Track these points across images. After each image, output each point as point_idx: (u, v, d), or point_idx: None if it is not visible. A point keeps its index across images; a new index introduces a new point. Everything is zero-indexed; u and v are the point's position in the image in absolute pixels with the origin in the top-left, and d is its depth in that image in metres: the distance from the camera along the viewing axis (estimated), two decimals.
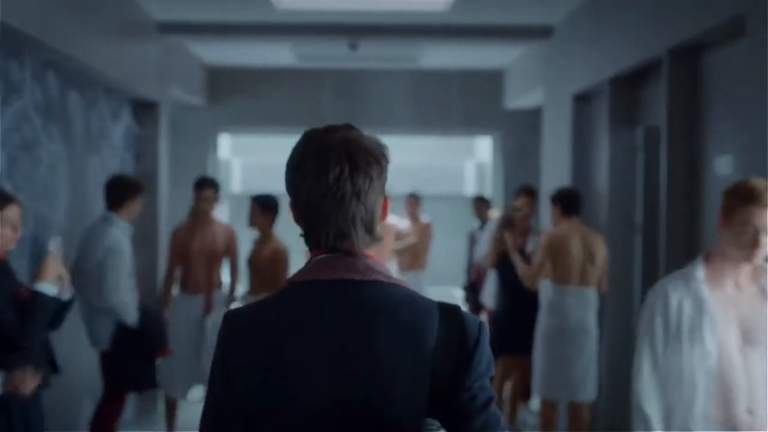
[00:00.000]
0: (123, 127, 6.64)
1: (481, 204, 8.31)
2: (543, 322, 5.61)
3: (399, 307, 1.48)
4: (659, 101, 4.88)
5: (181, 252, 5.82)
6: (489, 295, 6.92)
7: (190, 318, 5.82)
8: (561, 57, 6.92)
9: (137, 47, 6.64)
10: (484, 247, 6.88)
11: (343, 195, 1.46)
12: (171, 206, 9.31)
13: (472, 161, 12.10)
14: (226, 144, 11.85)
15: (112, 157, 6.35)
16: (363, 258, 1.51)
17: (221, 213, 11.72)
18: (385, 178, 1.53)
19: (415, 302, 1.50)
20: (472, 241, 8.36)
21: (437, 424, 1.47)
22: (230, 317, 1.52)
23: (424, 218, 8.86)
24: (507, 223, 6.04)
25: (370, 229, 1.51)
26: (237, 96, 9.53)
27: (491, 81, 9.53)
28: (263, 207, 5.57)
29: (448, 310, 1.50)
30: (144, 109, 7.05)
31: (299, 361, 1.45)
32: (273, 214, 5.58)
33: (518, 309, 5.95)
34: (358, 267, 1.49)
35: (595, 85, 6.03)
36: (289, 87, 9.52)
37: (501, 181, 9.79)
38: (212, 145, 9.71)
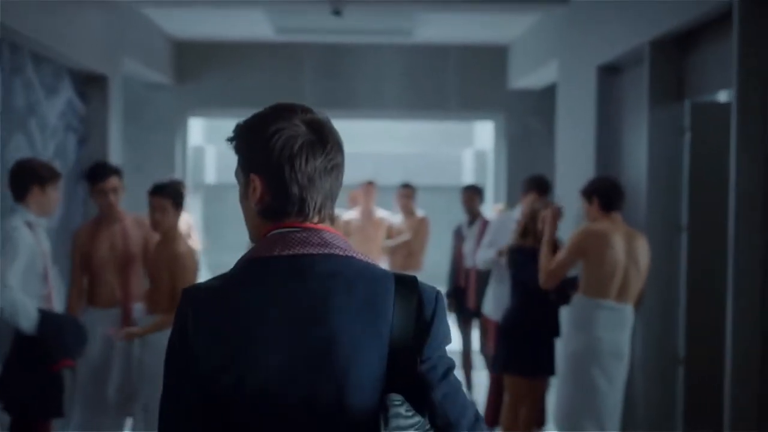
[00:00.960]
0: (62, 104, 5.57)
1: (471, 194, 7.16)
2: (569, 342, 4.59)
3: (355, 279, 1.50)
4: (727, 66, 3.84)
5: (85, 257, 4.70)
6: (491, 302, 5.90)
7: (102, 337, 4.61)
8: (582, 22, 5.88)
9: (75, 8, 5.55)
10: (487, 252, 5.84)
11: (334, 166, 1.53)
12: (131, 201, 8.26)
13: (470, 149, 11.03)
14: (198, 129, 10.77)
15: (46, 139, 5.28)
16: (319, 231, 1.52)
17: (194, 206, 10.68)
18: None
19: (371, 274, 1.51)
20: (459, 237, 7.24)
21: (401, 399, 1.45)
22: (191, 294, 1.51)
23: (420, 212, 7.82)
24: (533, 217, 4.97)
25: (335, 199, 1.57)
26: (208, 74, 8.47)
27: (494, 58, 8.50)
28: (177, 201, 4.36)
29: (404, 281, 1.51)
30: (90, 84, 5.98)
31: (261, 337, 1.46)
32: (181, 209, 4.41)
33: (534, 319, 4.92)
34: (313, 241, 1.51)
35: (628, 52, 4.99)
36: (267, 64, 8.46)
37: (504, 171, 8.76)
38: (181, 130, 8.64)
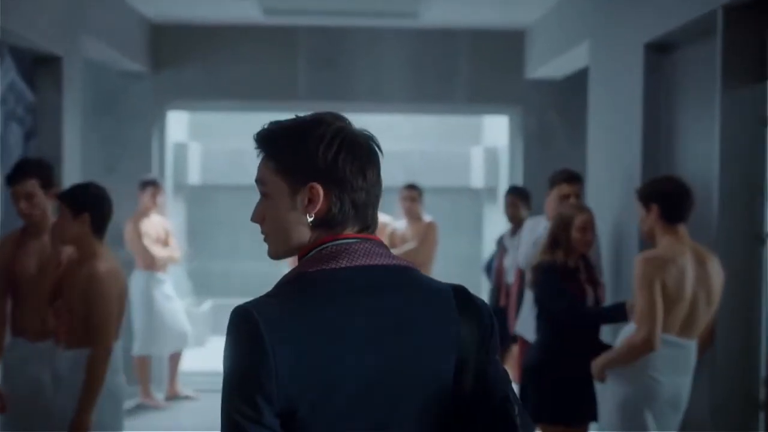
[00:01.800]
0: (3, 89, 4.64)
1: (516, 199, 6.19)
2: (618, 384, 3.67)
3: (423, 289, 1.52)
4: None
5: (8, 276, 3.75)
6: (526, 322, 4.99)
7: (31, 374, 3.67)
8: None
9: None
10: (521, 260, 4.93)
11: (381, 179, 1.54)
12: None
13: (479, 146, 10.10)
14: (182, 125, 9.85)
15: None
16: (378, 242, 1.53)
17: (175, 210, 9.77)
18: None
19: (434, 284, 1.55)
20: (502, 249, 6.28)
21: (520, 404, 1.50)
22: (259, 312, 1.40)
23: (426, 217, 6.91)
24: (565, 225, 4.08)
25: (378, 205, 1.57)
26: (188, 62, 7.53)
27: (509, 44, 7.57)
28: (75, 208, 3.44)
29: (458, 290, 1.55)
30: (40, 67, 5.06)
31: (345, 352, 1.42)
32: (95, 217, 3.46)
33: (570, 356, 4.01)
34: (377, 252, 1.50)
35: (688, 23, 4.07)
36: (255, 50, 7.53)
37: (520, 171, 7.83)
38: (158, 124, 7.71)
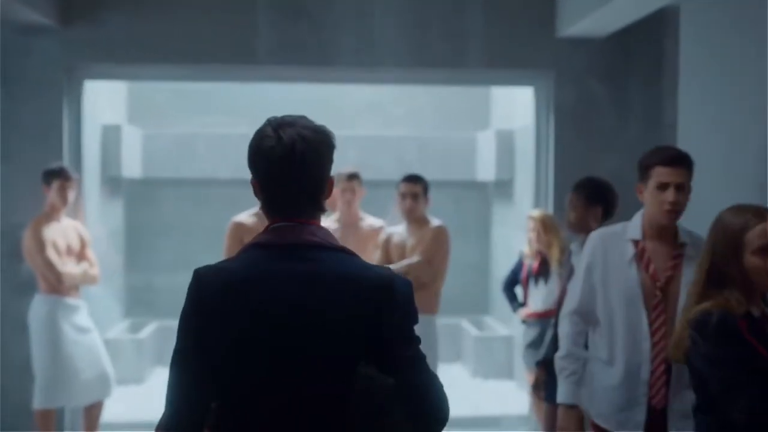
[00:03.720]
0: None
1: (589, 197, 4.17)
2: None
3: (339, 264, 1.87)
4: None
5: None
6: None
7: None
8: None
9: None
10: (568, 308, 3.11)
11: (291, 165, 1.87)
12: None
13: (489, 130, 8.25)
14: (117, 103, 7.94)
15: None
16: (309, 226, 1.91)
17: (110, 211, 7.90)
18: (331, 161, 1.94)
19: (353, 263, 1.89)
20: (570, 267, 4.27)
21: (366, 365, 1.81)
22: (203, 274, 1.88)
23: (434, 220, 5.14)
24: (734, 245, 2.32)
25: (314, 199, 1.92)
26: (110, 13, 5.70)
27: None
28: None
29: (380, 270, 1.90)
30: None
31: (259, 311, 1.83)
32: None
33: None
34: (303, 233, 1.89)
35: None
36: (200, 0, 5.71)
37: (548, 158, 6.02)
38: (72, 97, 5.83)
